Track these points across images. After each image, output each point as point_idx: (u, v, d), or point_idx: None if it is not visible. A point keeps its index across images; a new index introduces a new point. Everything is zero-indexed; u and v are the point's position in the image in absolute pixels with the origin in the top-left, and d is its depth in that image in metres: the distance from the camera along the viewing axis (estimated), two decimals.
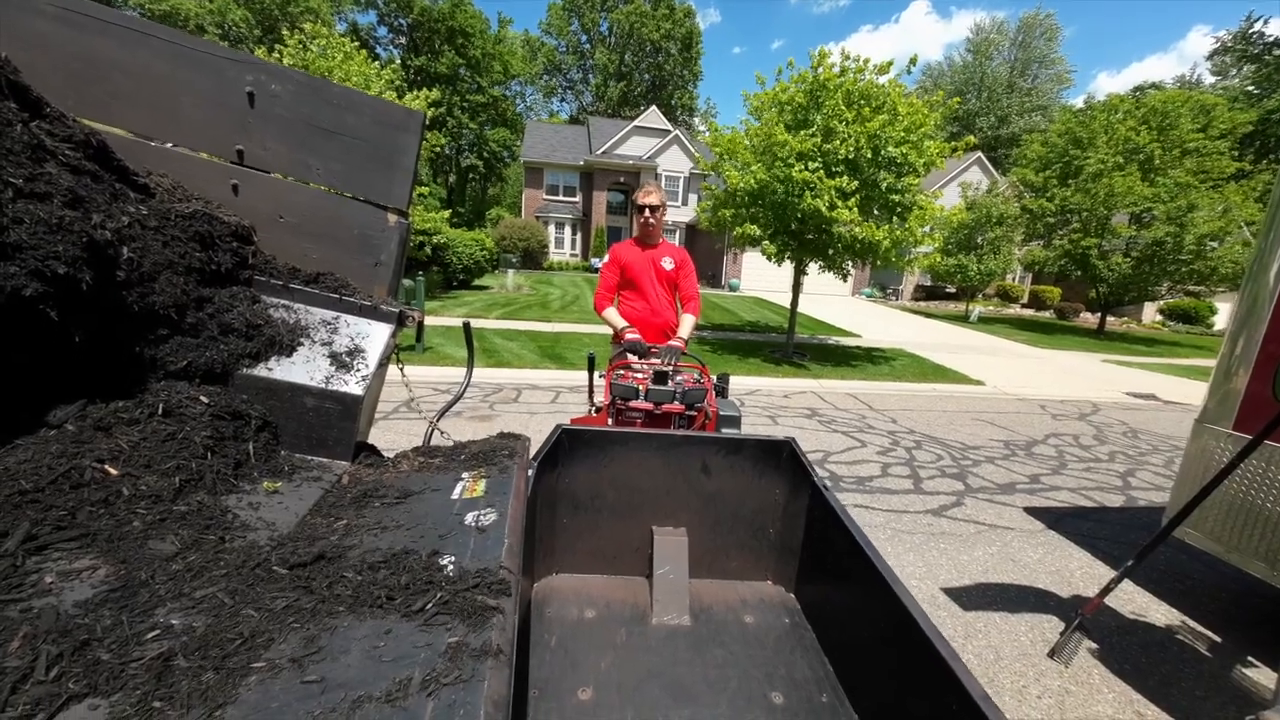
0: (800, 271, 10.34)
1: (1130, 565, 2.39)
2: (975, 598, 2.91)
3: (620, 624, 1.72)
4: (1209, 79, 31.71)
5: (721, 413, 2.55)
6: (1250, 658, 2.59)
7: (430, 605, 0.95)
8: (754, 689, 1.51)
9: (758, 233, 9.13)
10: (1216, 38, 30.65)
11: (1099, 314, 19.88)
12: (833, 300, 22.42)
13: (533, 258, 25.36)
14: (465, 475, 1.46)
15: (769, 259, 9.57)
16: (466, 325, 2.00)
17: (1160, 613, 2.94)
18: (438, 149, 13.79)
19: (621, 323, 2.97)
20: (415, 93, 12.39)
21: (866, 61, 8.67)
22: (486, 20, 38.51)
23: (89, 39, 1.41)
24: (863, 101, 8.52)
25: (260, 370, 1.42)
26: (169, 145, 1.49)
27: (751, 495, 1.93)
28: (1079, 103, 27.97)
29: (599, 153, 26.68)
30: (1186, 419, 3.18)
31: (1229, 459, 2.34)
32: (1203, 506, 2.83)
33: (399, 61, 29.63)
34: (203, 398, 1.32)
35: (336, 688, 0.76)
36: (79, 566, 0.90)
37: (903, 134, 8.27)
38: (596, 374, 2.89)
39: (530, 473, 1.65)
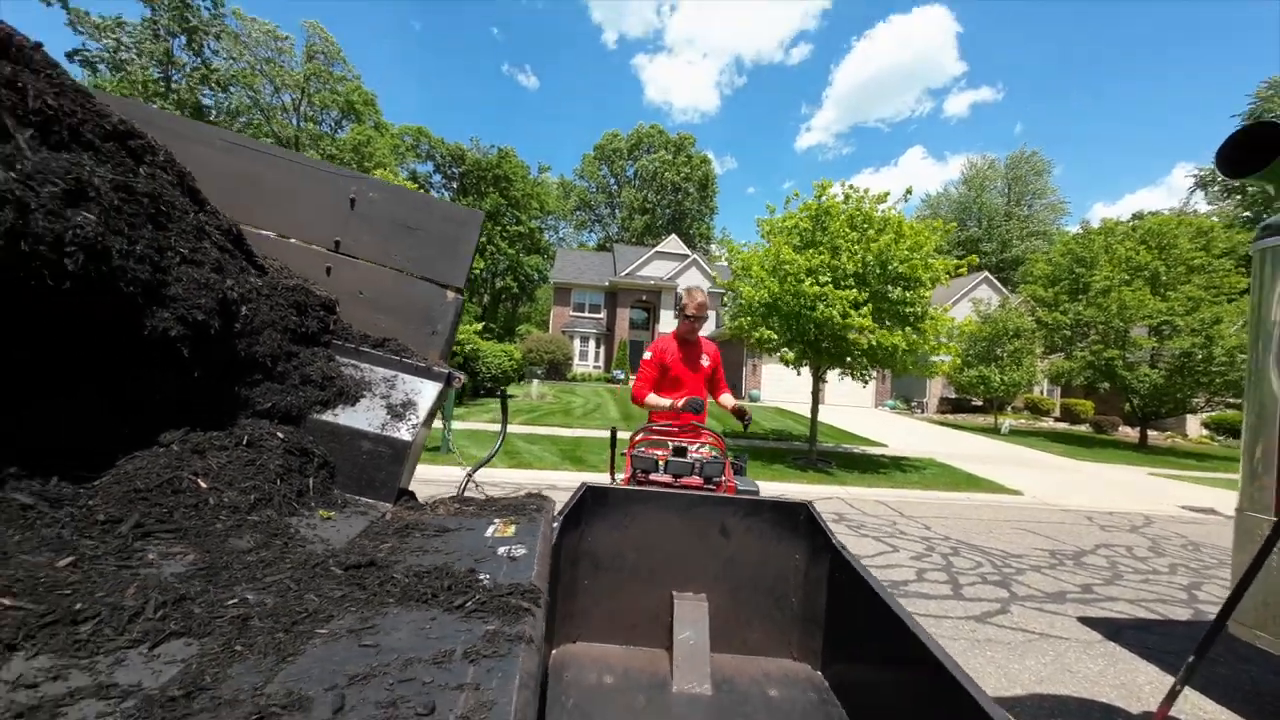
0: (819, 378, 10.53)
1: (1191, 662, 2.20)
2: (1030, 709, 2.62)
3: (640, 690, 1.67)
4: (1204, 207, 33.52)
5: (740, 488, 2.60)
6: None
7: (469, 604, 1.05)
8: None
9: (775, 338, 9.52)
10: (1195, 175, 33.09)
11: (1138, 427, 19.18)
12: (855, 412, 22.24)
13: (557, 369, 26.30)
14: (497, 520, 1.58)
15: (787, 365, 9.85)
16: (503, 393, 2.21)
17: None
18: (476, 271, 15.21)
19: (667, 400, 3.13)
20: None
21: (866, 191, 9.64)
22: (528, 167, 44.21)
23: (239, 160, 1.85)
24: (866, 225, 9.33)
25: (328, 416, 1.63)
26: (289, 239, 1.86)
27: (771, 560, 1.94)
28: (1076, 229, 29.55)
29: (623, 274, 28.78)
30: (1258, 534, 3.06)
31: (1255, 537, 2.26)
32: (1266, 604, 2.65)
33: (449, 200, 33.83)
34: (279, 434, 1.52)
35: (389, 651, 0.86)
36: (174, 551, 1.05)
37: (907, 252, 8.90)
38: (618, 451, 3.00)
39: (555, 525, 1.74)
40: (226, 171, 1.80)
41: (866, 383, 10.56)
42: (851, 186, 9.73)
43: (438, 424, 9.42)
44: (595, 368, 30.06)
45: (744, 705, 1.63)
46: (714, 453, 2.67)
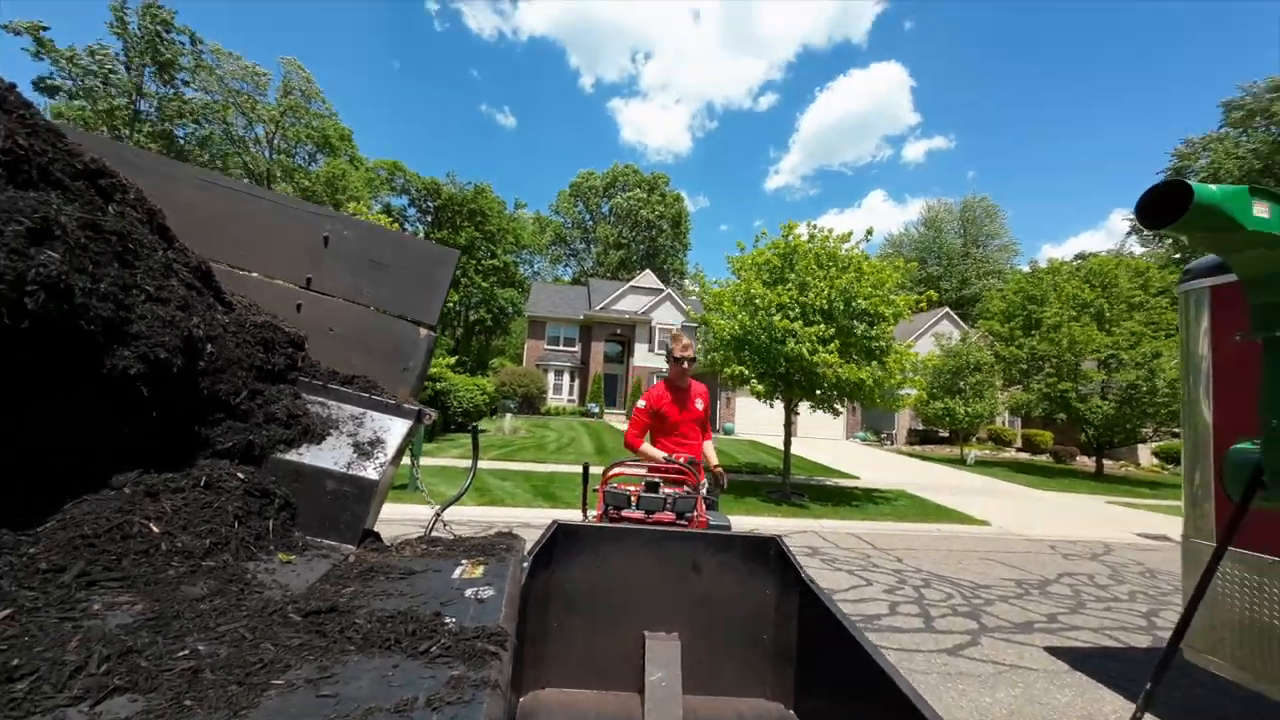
0: (791, 410, 10.69)
1: (1149, 690, 2.26)
2: None
3: None
4: (1139, 249, 36.06)
5: (711, 523, 2.61)
6: None
7: (434, 648, 1.03)
8: None
9: (746, 372, 9.68)
10: (1129, 219, 35.75)
11: (1094, 457, 19.95)
12: (827, 444, 22.52)
13: (531, 403, 25.99)
14: (465, 561, 1.55)
15: (759, 398, 9.98)
16: (474, 429, 2.19)
17: None
18: (449, 305, 15.11)
19: (661, 452, 3.16)
20: None
21: (830, 231, 10.08)
22: (504, 202, 44.72)
23: (212, 197, 1.85)
24: (831, 263, 9.71)
25: (292, 455, 1.59)
26: (258, 275, 1.85)
27: (743, 596, 1.94)
28: (1026, 268, 31.37)
29: (598, 308, 29.00)
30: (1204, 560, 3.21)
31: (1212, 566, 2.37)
32: (1214, 629, 2.76)
33: (423, 234, 33.72)
34: (239, 475, 1.48)
35: (349, 701, 0.84)
36: (121, 600, 1.00)
37: (870, 289, 9.28)
38: (590, 487, 2.97)
39: (525, 565, 1.71)
40: (198, 209, 1.80)
41: (837, 415, 10.76)
42: (816, 226, 10.16)
43: (406, 461, 9.13)
44: (570, 401, 29.81)
45: None
46: (686, 488, 2.68)
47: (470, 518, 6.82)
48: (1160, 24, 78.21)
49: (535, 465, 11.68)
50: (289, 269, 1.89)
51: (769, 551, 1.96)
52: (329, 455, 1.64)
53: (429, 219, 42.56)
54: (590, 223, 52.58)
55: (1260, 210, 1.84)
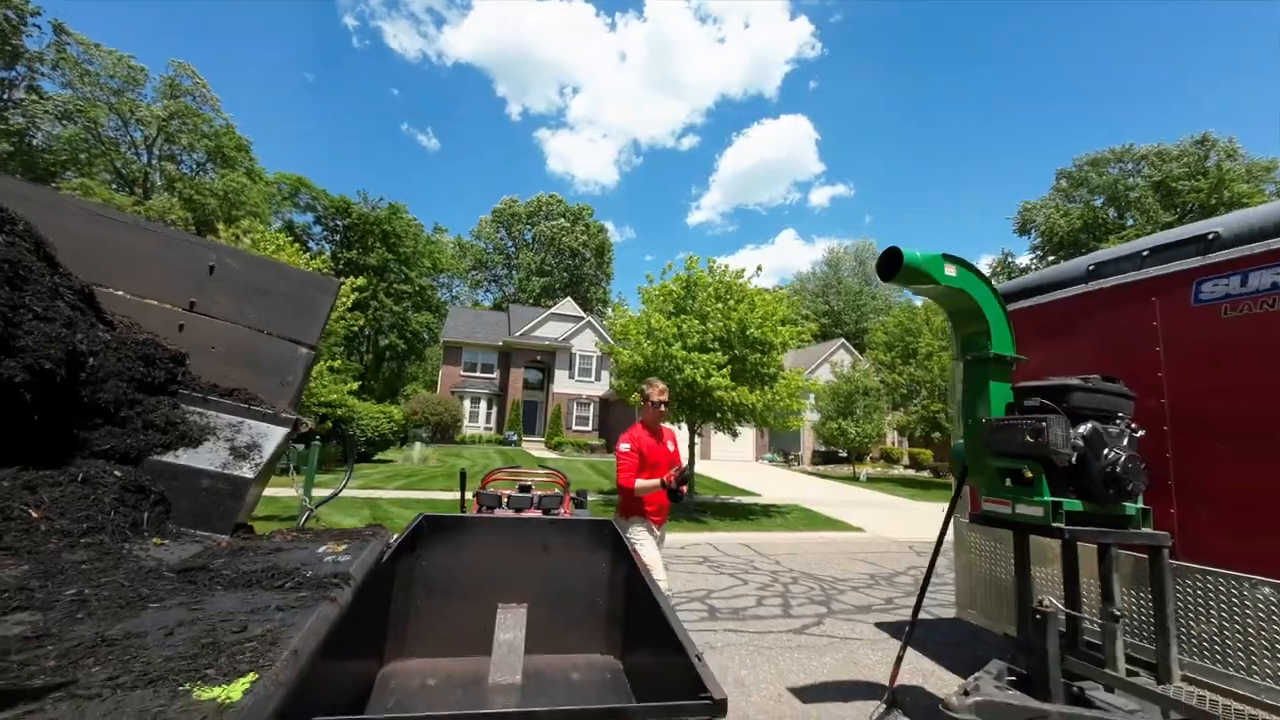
0: (695, 432, 11.40)
1: (908, 632, 2.91)
2: (816, 693, 3.19)
3: (457, 687, 1.93)
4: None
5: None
6: None
7: (289, 584, 1.34)
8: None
9: None
10: (989, 264, 41.68)
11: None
12: (738, 465, 23.69)
13: (446, 431, 25.10)
14: (330, 542, 1.83)
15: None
16: (345, 431, 2.45)
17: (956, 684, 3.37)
18: (355, 328, 14.54)
19: (655, 481, 3.37)
20: (340, 280, 13.51)
21: (726, 267, 11.10)
22: (420, 224, 43.46)
23: (97, 228, 2.04)
24: (728, 295, 10.67)
25: (169, 457, 1.81)
26: (137, 297, 2.05)
27: (584, 570, 2.33)
28: (905, 303, 35.41)
29: (518, 334, 28.85)
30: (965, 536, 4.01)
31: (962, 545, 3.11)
32: (971, 589, 3.52)
33: (329, 254, 31.95)
34: (116, 472, 1.69)
35: (214, 611, 1.15)
36: (7, 563, 1.24)
37: (760, 320, 10.30)
38: (469, 492, 3.26)
39: (388, 553, 1.99)
40: (85, 238, 1.98)
41: (735, 436, 11.61)
42: (713, 261, 11.15)
43: (294, 493, 8.68)
44: (487, 429, 29.08)
45: (549, 688, 1.96)
46: (556, 489, 3.06)
47: None
48: (1019, 91, 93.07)
49: (443, 494, 11.43)
50: (173, 293, 2.10)
51: (605, 533, 2.38)
52: (205, 457, 1.87)
53: (337, 238, 40.37)
54: (513, 249, 52.34)
55: (950, 270, 2.59)
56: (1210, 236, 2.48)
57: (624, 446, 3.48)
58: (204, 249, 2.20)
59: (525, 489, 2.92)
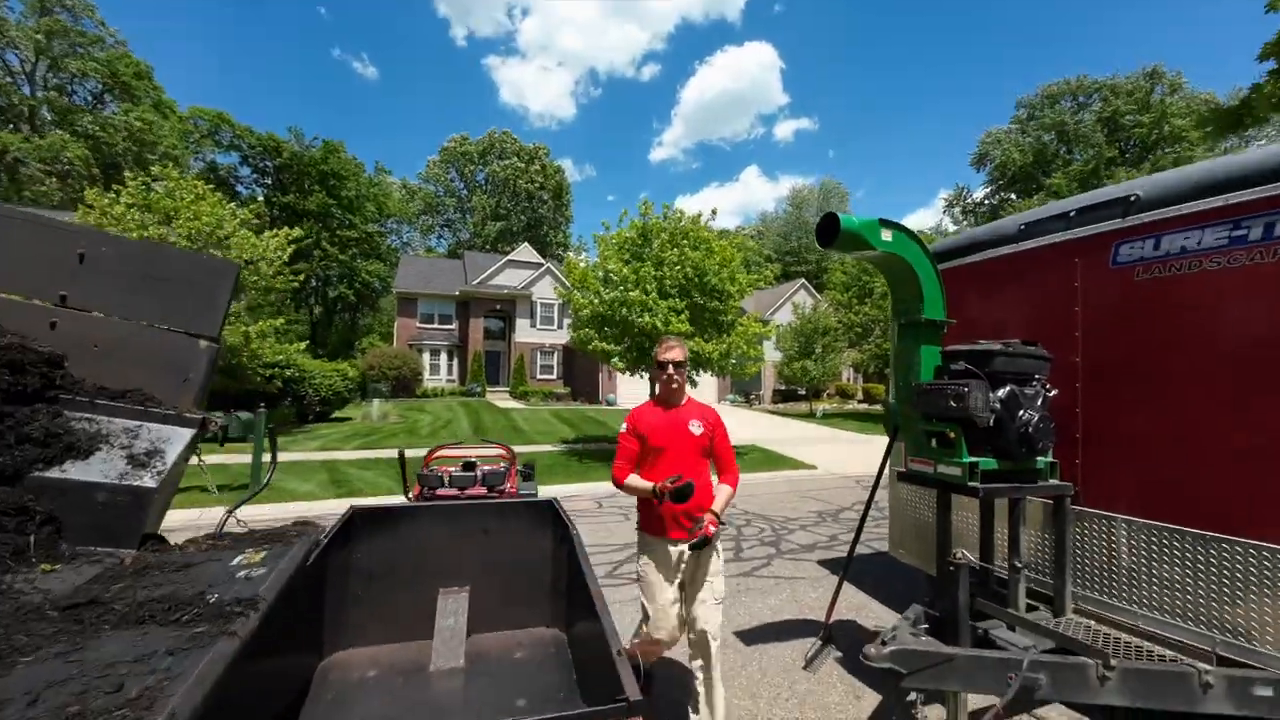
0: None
1: (842, 574, 3.13)
2: (759, 634, 3.44)
3: (399, 675, 1.96)
4: (951, 225, 42.80)
5: (521, 493, 3.01)
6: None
7: (186, 617, 1.28)
8: (505, 702, 1.84)
9: (610, 348, 10.24)
10: (944, 199, 42.33)
11: None
12: None
13: (406, 385, 24.58)
14: (248, 550, 1.76)
15: (620, 371, 10.63)
16: (271, 430, 2.33)
17: (891, 620, 3.70)
18: (298, 283, 13.69)
19: (648, 483, 2.43)
20: (274, 231, 12.55)
21: (681, 212, 10.85)
22: (361, 165, 40.38)
23: None
24: (684, 239, 10.51)
25: (54, 473, 1.67)
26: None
27: (528, 548, 2.37)
28: None
29: (474, 283, 27.89)
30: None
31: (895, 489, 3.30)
32: (902, 532, 3.77)
33: (263, 199, 29.42)
34: None
35: (94, 662, 1.08)
36: None
37: (718, 266, 10.24)
38: (410, 470, 3.21)
39: (316, 551, 1.94)
40: None
41: (695, 384, 11.80)
42: (668, 206, 10.88)
43: (246, 459, 8.42)
44: (450, 381, 28.63)
45: (493, 670, 2.02)
46: (501, 463, 3.04)
47: (325, 511, 6.61)
48: (990, 24, 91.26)
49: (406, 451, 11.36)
50: (37, 287, 1.87)
51: (545, 511, 2.40)
52: (98, 469, 1.74)
53: (269, 181, 37.21)
54: (465, 192, 49.58)
55: (886, 235, 2.57)
56: (1131, 199, 2.53)
57: (622, 427, 2.62)
58: (71, 234, 1.94)
59: (469, 466, 2.89)
